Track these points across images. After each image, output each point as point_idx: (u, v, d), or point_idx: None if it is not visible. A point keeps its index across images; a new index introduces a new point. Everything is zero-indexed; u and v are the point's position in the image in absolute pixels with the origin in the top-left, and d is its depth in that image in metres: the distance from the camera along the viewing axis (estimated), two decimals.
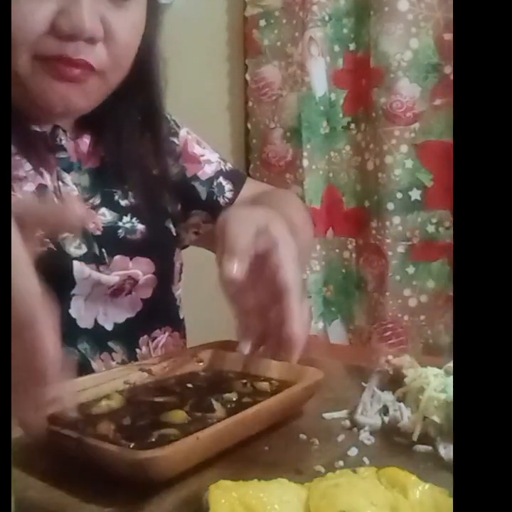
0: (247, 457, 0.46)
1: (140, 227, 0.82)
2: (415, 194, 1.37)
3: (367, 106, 1.41)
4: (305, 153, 1.44)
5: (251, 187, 0.97)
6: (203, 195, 0.92)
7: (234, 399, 0.52)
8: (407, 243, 1.38)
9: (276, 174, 1.49)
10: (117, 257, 0.78)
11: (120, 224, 0.81)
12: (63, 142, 0.80)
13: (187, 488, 0.42)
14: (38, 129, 0.78)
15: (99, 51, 0.72)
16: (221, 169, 0.95)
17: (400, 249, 1.38)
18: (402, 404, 0.51)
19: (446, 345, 1.36)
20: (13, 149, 0.75)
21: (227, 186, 0.95)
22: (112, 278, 0.77)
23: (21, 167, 0.75)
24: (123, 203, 0.82)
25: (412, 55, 1.34)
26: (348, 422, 0.52)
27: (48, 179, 0.77)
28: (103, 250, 0.77)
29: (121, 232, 0.80)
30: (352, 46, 1.44)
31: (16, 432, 0.44)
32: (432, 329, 1.39)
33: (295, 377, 0.55)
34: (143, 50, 0.78)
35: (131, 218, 0.82)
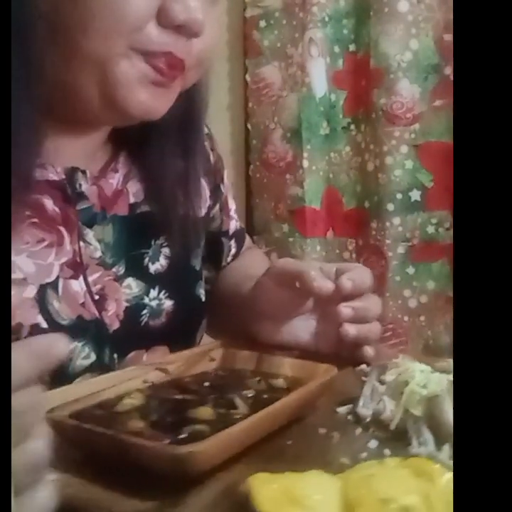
0: (272, 451, 0.47)
1: (167, 305, 0.70)
2: (415, 195, 1.37)
3: (367, 107, 1.41)
4: (305, 154, 1.44)
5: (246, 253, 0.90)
6: (220, 252, 0.85)
7: (252, 395, 0.54)
8: (407, 244, 1.38)
9: (277, 175, 1.49)
10: (131, 354, 0.67)
11: (146, 301, 0.69)
12: (83, 188, 0.65)
13: (220, 481, 0.43)
14: (54, 176, 0.63)
15: (193, 50, 0.60)
16: (236, 227, 0.87)
17: (400, 249, 1.38)
18: (385, 397, 0.53)
19: (446, 346, 1.36)
20: (20, 213, 0.59)
21: (233, 249, 0.87)
22: None
23: (30, 234, 0.60)
24: (153, 268, 0.70)
25: (412, 56, 1.34)
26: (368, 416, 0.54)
27: (67, 242, 0.63)
28: (115, 355, 0.65)
29: (144, 317, 0.68)
30: (352, 47, 1.44)
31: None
32: (432, 330, 1.39)
33: (308, 374, 0.56)
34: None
35: (159, 291, 0.70)
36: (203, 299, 0.77)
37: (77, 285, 0.64)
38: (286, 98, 1.48)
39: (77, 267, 0.64)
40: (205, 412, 0.50)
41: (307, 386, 0.54)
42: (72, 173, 0.65)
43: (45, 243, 0.62)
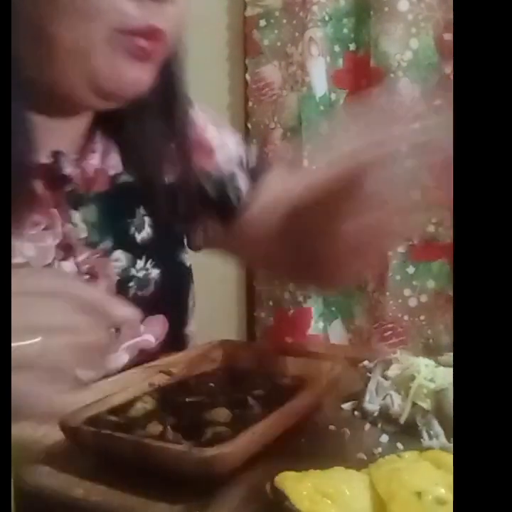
0: (287, 450, 0.47)
1: (154, 274, 0.71)
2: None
3: None
4: (305, 153, 1.44)
5: (276, 183, 0.78)
6: (213, 194, 0.76)
7: (263, 395, 0.54)
8: (407, 243, 1.38)
9: None
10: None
11: (133, 272, 0.69)
12: (67, 170, 0.66)
13: (244, 482, 0.43)
14: (43, 160, 0.64)
15: (167, 15, 0.58)
16: (239, 159, 0.78)
17: (400, 249, 1.38)
18: (392, 391, 0.53)
19: (447, 345, 1.36)
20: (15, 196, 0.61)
21: (244, 183, 0.77)
22: (120, 361, 0.66)
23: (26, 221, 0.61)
24: (139, 237, 0.71)
25: (412, 55, 1.34)
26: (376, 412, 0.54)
27: (59, 224, 0.64)
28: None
29: (132, 289, 0.69)
30: (352, 46, 1.44)
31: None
32: (432, 329, 1.39)
33: (312, 372, 0.57)
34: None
35: (146, 262, 0.71)
36: (188, 265, 0.77)
37: (69, 266, 0.65)
38: (286, 97, 1.47)
39: (67, 249, 0.66)
40: (222, 413, 0.50)
41: (318, 383, 0.54)
42: (58, 156, 0.65)
43: (42, 226, 0.63)
